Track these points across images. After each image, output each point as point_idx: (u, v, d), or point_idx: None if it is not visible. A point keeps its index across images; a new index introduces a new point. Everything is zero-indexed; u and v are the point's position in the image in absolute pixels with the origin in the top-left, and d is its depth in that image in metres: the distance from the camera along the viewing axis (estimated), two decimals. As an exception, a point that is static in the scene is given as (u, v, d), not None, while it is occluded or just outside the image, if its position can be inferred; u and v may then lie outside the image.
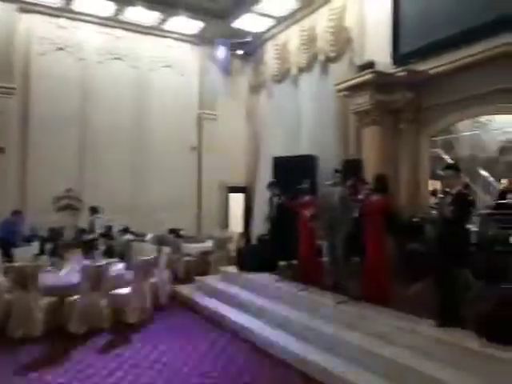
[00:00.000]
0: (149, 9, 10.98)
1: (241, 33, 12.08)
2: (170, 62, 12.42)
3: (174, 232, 10.78)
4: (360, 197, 6.28)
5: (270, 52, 12.28)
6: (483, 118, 7.51)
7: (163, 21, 11.68)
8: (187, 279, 8.84)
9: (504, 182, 6.60)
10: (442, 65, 7.37)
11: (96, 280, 5.83)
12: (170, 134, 12.21)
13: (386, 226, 5.28)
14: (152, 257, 7.01)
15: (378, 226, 5.16)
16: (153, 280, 6.93)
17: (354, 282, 5.51)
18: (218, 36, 12.18)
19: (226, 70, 12.90)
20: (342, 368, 4.15)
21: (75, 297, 5.77)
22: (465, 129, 7.80)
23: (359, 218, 5.49)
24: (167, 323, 6.30)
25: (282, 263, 7.52)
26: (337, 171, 6.11)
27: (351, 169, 7.76)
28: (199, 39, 12.59)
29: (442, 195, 4.48)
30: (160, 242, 9.30)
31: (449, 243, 4.14)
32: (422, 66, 7.77)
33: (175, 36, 12.38)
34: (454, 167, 4.50)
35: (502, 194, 5.26)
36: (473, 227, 5.00)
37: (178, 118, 12.43)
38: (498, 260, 4.97)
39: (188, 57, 12.71)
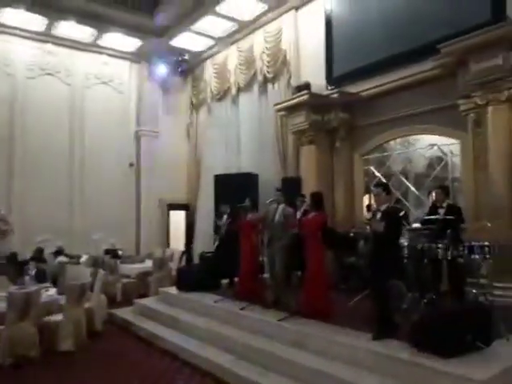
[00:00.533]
0: (82, 24, 10.71)
1: (180, 51, 12.09)
2: (107, 78, 12.17)
3: (111, 252, 10.35)
4: (299, 214, 6.47)
5: (209, 70, 12.39)
6: (412, 138, 8.00)
7: (98, 37, 11.42)
8: (126, 302, 8.50)
9: (433, 195, 6.96)
10: (371, 88, 7.86)
11: (24, 307, 5.45)
12: (107, 151, 11.90)
13: (324, 241, 5.45)
14: (87, 280, 6.68)
15: (316, 241, 5.29)
16: (88, 305, 6.59)
17: (295, 298, 5.60)
18: (157, 54, 12.10)
19: (166, 87, 12.85)
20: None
21: (1, 327, 5.36)
22: (395, 147, 8.26)
23: (299, 235, 5.62)
24: (103, 350, 6.01)
25: (223, 282, 7.50)
26: (278, 190, 6.23)
27: (291, 187, 7.97)
28: (137, 56, 12.46)
29: (372, 212, 4.70)
30: (96, 263, 8.89)
31: (380, 258, 4.34)
32: (354, 88, 8.23)
33: (111, 53, 12.16)
34: (383, 185, 4.75)
35: (434, 209, 5.58)
36: (405, 241, 5.28)
37: (116, 135, 12.16)
38: (427, 272, 5.27)
39: (125, 74, 12.54)
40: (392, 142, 8.27)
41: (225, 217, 7.57)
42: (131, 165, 12.40)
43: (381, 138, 8.12)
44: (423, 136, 7.77)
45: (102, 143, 11.81)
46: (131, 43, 11.85)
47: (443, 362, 3.55)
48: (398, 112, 7.60)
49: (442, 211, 5.41)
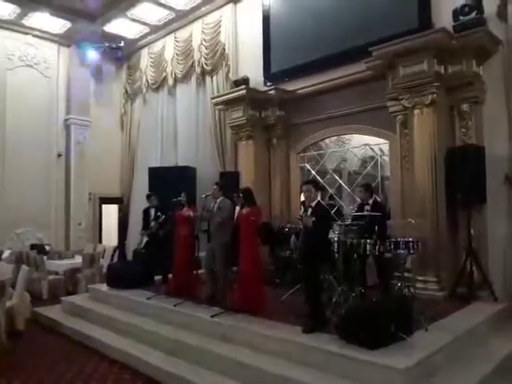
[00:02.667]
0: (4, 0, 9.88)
1: (113, 37, 11.54)
2: (32, 61, 11.31)
3: (38, 248, 9.76)
4: (237, 209, 6.46)
5: (145, 59, 11.98)
6: (346, 137, 8.27)
7: (22, 15, 10.55)
8: (53, 300, 8.05)
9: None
10: (307, 86, 8.03)
11: None
12: (32, 140, 11.09)
13: (259, 236, 5.51)
14: (8, 277, 6.24)
15: (251, 235, 5.33)
16: (9, 303, 6.16)
17: (231, 293, 5.61)
18: (88, 38, 11.45)
19: (98, 74, 12.25)
20: (214, 381, 4.17)
21: None
22: (330, 145, 8.50)
23: (235, 230, 5.62)
24: (25, 351, 5.65)
25: (156, 278, 7.34)
26: (216, 184, 6.17)
27: (229, 182, 7.95)
28: (67, 40, 11.71)
29: (304, 208, 4.82)
30: (19, 259, 8.34)
31: (311, 251, 4.47)
32: (291, 86, 8.36)
33: (38, 34, 11.31)
34: (312, 182, 4.89)
35: (361, 206, 5.83)
36: (335, 237, 5.46)
37: (43, 122, 11.39)
38: (355, 267, 5.51)
39: (53, 57, 11.73)
40: (327, 141, 8.50)
41: (152, 210, 7.38)
42: (59, 155, 11.69)
43: (316, 136, 8.32)
44: (357, 136, 8.06)
45: (27, 131, 10.98)
46: (60, 25, 11.08)
47: (368, 353, 3.74)
48: (332, 111, 7.82)
49: (367, 208, 5.67)
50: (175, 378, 4.45)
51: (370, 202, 5.77)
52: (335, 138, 8.36)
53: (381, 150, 7.75)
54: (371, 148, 7.85)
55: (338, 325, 4.17)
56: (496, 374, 3.89)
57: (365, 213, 5.49)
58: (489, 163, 5.97)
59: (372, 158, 8.00)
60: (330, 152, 8.45)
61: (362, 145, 7.98)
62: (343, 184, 8.36)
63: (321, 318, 4.48)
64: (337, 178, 8.37)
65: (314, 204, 4.63)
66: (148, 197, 7.70)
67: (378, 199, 6.21)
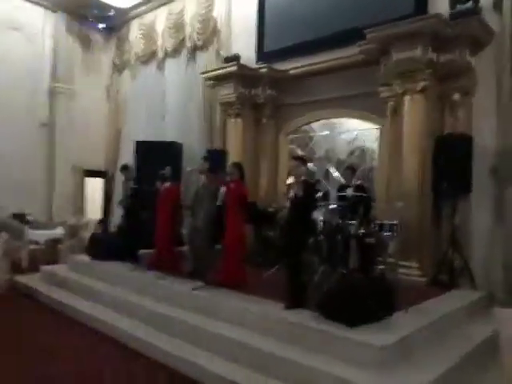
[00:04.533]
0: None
1: (104, 6, 11.21)
2: (18, 24, 10.88)
3: (19, 217, 9.62)
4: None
5: (135, 31, 11.70)
6: (335, 121, 8.22)
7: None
8: (32, 270, 7.97)
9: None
10: (299, 67, 7.95)
11: None
12: (14, 107, 10.69)
13: (245, 214, 5.49)
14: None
15: (236, 211, 5.32)
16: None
17: (213, 269, 5.61)
18: (77, 4, 11.09)
19: (86, 43, 11.92)
20: (191, 354, 4.19)
21: None
22: (320, 129, 8.45)
23: (222, 206, 5.59)
24: (2, 317, 5.61)
25: (139, 252, 7.28)
26: (204, 158, 6.09)
27: (216, 159, 7.85)
28: (54, 5, 11.30)
29: (292, 184, 4.83)
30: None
31: (295, 226, 4.50)
32: (283, 66, 8.26)
33: (25, -4, 10.89)
34: (300, 158, 4.87)
35: (344, 188, 5.87)
36: (320, 217, 5.49)
37: (26, 88, 11.00)
38: (339, 248, 5.56)
39: (40, 22, 11.31)
40: (316, 124, 8.46)
41: (130, 183, 7.13)
42: (43, 124, 11.42)
43: (305, 118, 8.29)
44: (347, 120, 8.04)
45: (8, 97, 10.58)
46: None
47: (348, 330, 3.79)
48: (323, 94, 7.76)
49: (350, 190, 5.72)
50: (153, 348, 4.46)
51: (353, 183, 5.82)
52: (325, 121, 8.31)
53: (368, 140, 7.72)
54: (360, 137, 7.81)
55: (319, 302, 4.21)
56: (472, 356, 3.98)
57: (347, 192, 5.52)
58: (476, 155, 5.99)
59: (362, 150, 7.96)
60: (318, 135, 8.42)
61: (351, 130, 7.97)
62: (330, 168, 8.35)
63: (302, 296, 4.52)
64: (325, 161, 8.33)
65: (301, 180, 4.63)
66: (123, 169, 7.37)
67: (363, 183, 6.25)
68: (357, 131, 7.88)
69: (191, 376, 4.01)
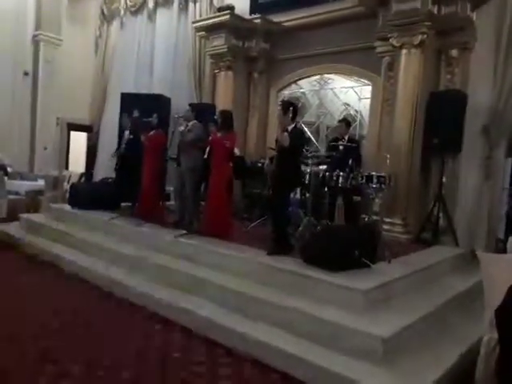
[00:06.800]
0: None
1: None
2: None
3: None
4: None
5: (125, -22, 11.15)
6: (329, 76, 7.97)
7: None
8: (12, 219, 7.78)
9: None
10: (294, 19, 7.64)
11: None
12: (-3, 53, 10.27)
13: (233, 170, 5.33)
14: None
15: (223, 161, 5.16)
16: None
17: (198, 219, 5.49)
18: None
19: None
20: (178, 299, 4.10)
21: None
22: (311, 85, 8.22)
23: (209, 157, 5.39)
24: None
25: (123, 204, 7.11)
26: (190, 105, 5.86)
27: (205, 114, 7.60)
28: None
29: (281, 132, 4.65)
30: (-22, 176, 7.96)
31: (282, 171, 4.38)
32: (277, 18, 7.93)
33: None
34: (291, 104, 4.62)
35: (336, 140, 5.76)
36: (308, 168, 5.34)
37: (8, 37, 10.44)
38: (324, 200, 5.47)
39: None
40: (309, 80, 8.21)
41: (126, 133, 6.86)
42: (26, 73, 10.96)
43: (298, 73, 8.04)
44: (338, 81, 7.83)
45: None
46: None
47: (330, 275, 3.72)
48: (317, 48, 7.49)
49: (343, 142, 5.59)
50: (135, 293, 4.38)
51: (346, 137, 5.70)
52: (318, 77, 8.06)
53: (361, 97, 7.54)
54: (353, 90, 7.63)
55: (302, 248, 4.14)
56: (450, 305, 3.97)
57: (340, 143, 5.38)
58: (469, 112, 5.87)
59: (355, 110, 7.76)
60: (309, 92, 8.20)
61: (344, 87, 7.77)
62: (320, 125, 8.19)
63: (286, 243, 4.45)
64: (315, 118, 8.17)
65: (290, 128, 4.46)
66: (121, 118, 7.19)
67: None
68: (349, 88, 7.67)
69: (168, 317, 3.96)
